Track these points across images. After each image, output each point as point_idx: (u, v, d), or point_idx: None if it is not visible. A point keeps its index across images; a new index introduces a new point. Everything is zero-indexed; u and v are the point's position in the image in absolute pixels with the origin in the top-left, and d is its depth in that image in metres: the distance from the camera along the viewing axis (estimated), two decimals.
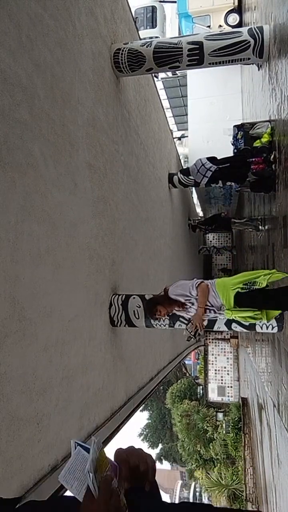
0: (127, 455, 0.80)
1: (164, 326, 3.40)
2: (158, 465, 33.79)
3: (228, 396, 16.57)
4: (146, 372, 5.02)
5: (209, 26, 10.88)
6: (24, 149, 2.05)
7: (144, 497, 0.81)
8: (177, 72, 6.00)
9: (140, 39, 4.91)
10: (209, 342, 16.40)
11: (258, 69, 5.98)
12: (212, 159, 5.41)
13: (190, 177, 8.32)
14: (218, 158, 5.46)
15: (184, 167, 6.90)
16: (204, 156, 5.56)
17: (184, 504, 0.91)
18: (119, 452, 0.82)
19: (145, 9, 14.26)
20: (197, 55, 3.84)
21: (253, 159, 4.71)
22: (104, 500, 0.69)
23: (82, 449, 0.77)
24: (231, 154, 5.67)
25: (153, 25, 14.54)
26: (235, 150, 5.55)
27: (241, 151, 5.15)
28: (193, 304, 2.81)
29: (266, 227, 5.11)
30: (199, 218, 13.93)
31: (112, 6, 3.93)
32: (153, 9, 14.00)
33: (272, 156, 4.50)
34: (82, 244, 2.86)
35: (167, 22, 15.26)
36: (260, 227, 5.46)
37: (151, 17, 14.04)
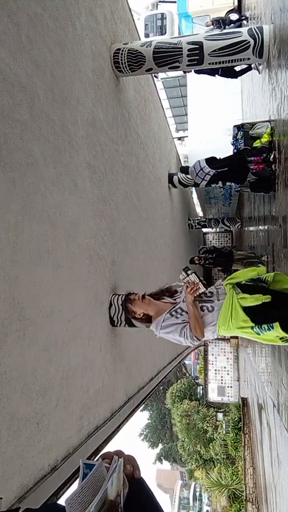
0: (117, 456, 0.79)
1: None
2: (158, 465, 33.82)
3: (228, 396, 16.58)
4: (146, 372, 5.02)
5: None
6: (24, 149, 2.05)
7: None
8: (187, 72, 5.97)
9: (140, 39, 4.91)
10: (209, 342, 16.41)
11: (259, 73, 5.98)
12: (211, 161, 5.40)
13: (189, 175, 8.33)
14: (218, 158, 5.46)
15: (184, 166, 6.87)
16: (204, 156, 5.55)
17: None
18: (108, 455, 0.81)
19: (155, 16, 14.28)
20: (197, 55, 3.84)
21: (253, 158, 4.71)
22: None
23: (98, 468, 0.73)
24: (231, 153, 5.67)
25: (162, 32, 14.54)
26: (235, 150, 5.55)
27: (241, 152, 5.15)
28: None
29: (268, 257, 5.11)
30: (199, 218, 13.94)
31: (112, 6, 3.93)
32: (163, 15, 14.00)
33: (272, 156, 4.50)
34: (82, 244, 2.86)
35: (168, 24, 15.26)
36: (264, 259, 5.42)
37: (161, 23, 14.04)
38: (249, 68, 6.56)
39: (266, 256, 5.21)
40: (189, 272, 2.48)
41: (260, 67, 6.23)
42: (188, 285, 2.44)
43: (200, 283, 2.44)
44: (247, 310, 2.29)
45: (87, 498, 0.69)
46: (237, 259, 6.93)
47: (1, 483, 1.73)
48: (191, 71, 5.80)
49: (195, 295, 2.42)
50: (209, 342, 16.40)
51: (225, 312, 2.34)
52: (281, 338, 2.19)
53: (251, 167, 4.78)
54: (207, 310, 2.44)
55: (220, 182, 8.14)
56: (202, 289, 2.44)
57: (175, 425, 23.19)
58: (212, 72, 5.75)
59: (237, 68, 6.21)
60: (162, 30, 14.57)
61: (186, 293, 2.43)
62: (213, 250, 8.69)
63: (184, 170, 6.36)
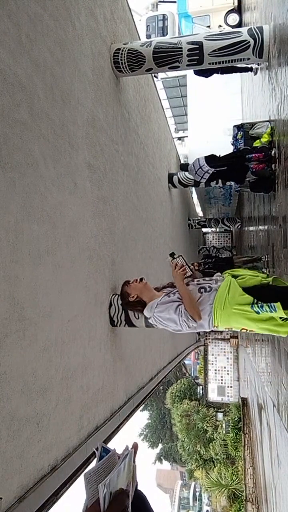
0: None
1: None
2: (158, 465, 33.83)
3: (228, 396, 16.58)
4: (146, 372, 5.02)
5: (209, 26, 10.90)
6: (24, 149, 2.05)
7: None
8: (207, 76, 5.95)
9: (140, 39, 4.91)
10: (209, 342, 16.42)
11: (255, 74, 5.99)
12: (211, 159, 5.40)
13: (188, 174, 8.33)
14: (218, 155, 5.46)
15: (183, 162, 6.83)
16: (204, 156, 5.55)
17: None
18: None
19: (156, 17, 14.28)
20: (197, 55, 3.84)
21: (253, 155, 4.70)
22: None
23: (112, 455, 0.78)
24: (231, 151, 5.67)
25: (164, 33, 14.54)
26: (235, 150, 5.55)
27: (241, 151, 5.15)
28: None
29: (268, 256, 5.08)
30: (199, 218, 13.95)
31: (112, 6, 3.93)
32: (164, 17, 14.00)
33: (273, 152, 4.50)
34: (82, 244, 2.86)
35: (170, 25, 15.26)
36: (264, 259, 5.36)
37: (162, 25, 14.05)
38: (249, 69, 6.57)
39: (266, 256, 5.20)
40: (175, 256, 2.48)
41: (256, 66, 6.27)
42: (176, 266, 2.41)
43: (187, 266, 2.41)
44: (246, 290, 2.18)
45: (101, 478, 0.75)
46: (238, 264, 6.80)
47: (1, 483, 1.73)
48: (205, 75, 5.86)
49: (183, 274, 2.36)
50: (209, 342, 16.40)
51: (222, 290, 2.24)
52: (280, 317, 2.08)
53: (251, 166, 4.77)
54: (204, 291, 2.33)
55: (220, 182, 8.16)
56: (189, 272, 2.39)
57: (175, 425, 23.19)
58: (209, 73, 5.72)
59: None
60: (163, 31, 14.57)
61: (174, 272, 2.39)
62: (213, 256, 8.65)
63: (184, 167, 6.36)
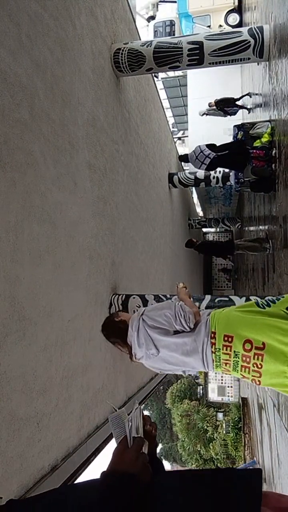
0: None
1: None
2: None
3: (228, 396, 16.58)
4: (146, 372, 5.02)
5: (209, 26, 10.89)
6: (24, 149, 2.05)
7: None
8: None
9: (140, 39, 4.91)
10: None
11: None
12: (211, 146, 5.42)
13: (188, 173, 8.32)
14: (217, 145, 5.49)
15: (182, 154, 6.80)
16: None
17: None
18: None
19: (164, 23, 14.29)
20: (197, 55, 3.83)
21: (254, 151, 4.70)
22: (135, 449, 0.80)
23: (122, 412, 0.95)
24: (230, 140, 5.69)
25: None
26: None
27: (240, 140, 5.16)
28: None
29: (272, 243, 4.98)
30: (199, 217, 13.94)
31: (112, 6, 3.93)
32: (171, 22, 14.01)
33: (273, 152, 4.50)
34: (82, 244, 2.86)
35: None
36: (267, 246, 5.20)
37: (170, 30, 14.05)
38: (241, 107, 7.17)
39: (269, 243, 5.08)
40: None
41: (249, 107, 6.47)
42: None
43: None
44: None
45: (122, 419, 0.92)
46: (240, 246, 6.50)
47: (1, 482, 1.73)
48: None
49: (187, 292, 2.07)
50: None
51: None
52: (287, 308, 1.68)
53: (252, 161, 4.77)
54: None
55: (220, 182, 8.16)
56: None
57: (175, 425, 23.17)
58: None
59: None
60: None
61: (179, 289, 2.09)
62: (213, 242, 8.45)
63: (183, 158, 6.32)
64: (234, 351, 1.73)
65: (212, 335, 1.83)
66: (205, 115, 8.20)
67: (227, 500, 0.75)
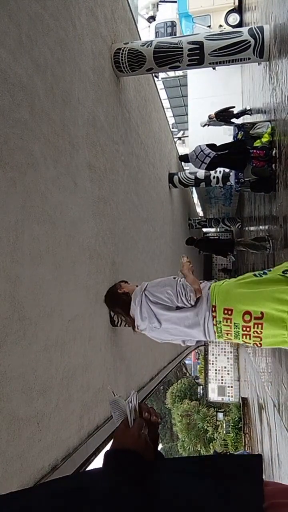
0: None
1: None
2: None
3: (228, 396, 16.60)
4: (146, 372, 5.02)
5: (209, 26, 10.89)
6: (24, 149, 2.05)
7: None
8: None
9: (141, 39, 4.91)
10: (209, 342, 16.41)
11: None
12: (211, 146, 5.43)
13: (188, 173, 8.33)
14: (218, 145, 5.50)
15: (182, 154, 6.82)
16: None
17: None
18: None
19: (165, 23, 14.28)
20: (198, 55, 3.84)
21: (254, 150, 4.70)
22: (137, 429, 0.82)
23: (120, 399, 0.97)
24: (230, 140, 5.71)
25: None
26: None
27: (241, 140, 5.17)
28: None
29: (272, 242, 4.97)
30: (200, 217, 13.94)
31: (112, 6, 3.93)
32: (173, 23, 14.00)
33: (274, 152, 4.50)
34: (82, 243, 2.86)
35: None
36: (267, 245, 5.20)
37: (171, 31, 14.04)
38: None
39: (270, 243, 5.07)
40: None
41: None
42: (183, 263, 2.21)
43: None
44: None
45: (122, 402, 0.95)
46: (241, 243, 6.51)
47: (1, 483, 1.73)
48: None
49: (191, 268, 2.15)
50: (210, 342, 16.40)
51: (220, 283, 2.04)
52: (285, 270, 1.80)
53: (252, 161, 4.78)
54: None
55: (220, 182, 8.16)
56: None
57: (175, 425, 23.19)
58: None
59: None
60: None
61: (183, 263, 2.20)
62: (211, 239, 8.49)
63: (184, 158, 6.34)
64: (235, 323, 1.87)
65: (213, 308, 1.93)
66: (206, 126, 8.17)
67: (229, 479, 0.74)
